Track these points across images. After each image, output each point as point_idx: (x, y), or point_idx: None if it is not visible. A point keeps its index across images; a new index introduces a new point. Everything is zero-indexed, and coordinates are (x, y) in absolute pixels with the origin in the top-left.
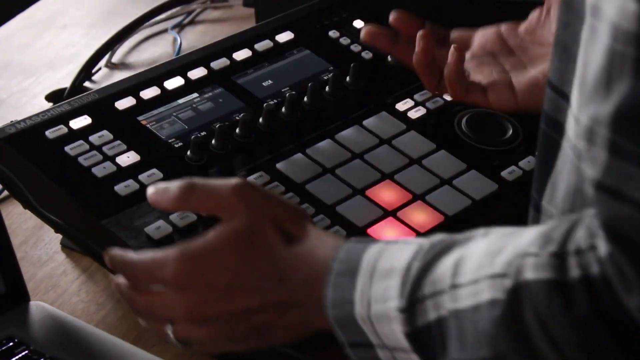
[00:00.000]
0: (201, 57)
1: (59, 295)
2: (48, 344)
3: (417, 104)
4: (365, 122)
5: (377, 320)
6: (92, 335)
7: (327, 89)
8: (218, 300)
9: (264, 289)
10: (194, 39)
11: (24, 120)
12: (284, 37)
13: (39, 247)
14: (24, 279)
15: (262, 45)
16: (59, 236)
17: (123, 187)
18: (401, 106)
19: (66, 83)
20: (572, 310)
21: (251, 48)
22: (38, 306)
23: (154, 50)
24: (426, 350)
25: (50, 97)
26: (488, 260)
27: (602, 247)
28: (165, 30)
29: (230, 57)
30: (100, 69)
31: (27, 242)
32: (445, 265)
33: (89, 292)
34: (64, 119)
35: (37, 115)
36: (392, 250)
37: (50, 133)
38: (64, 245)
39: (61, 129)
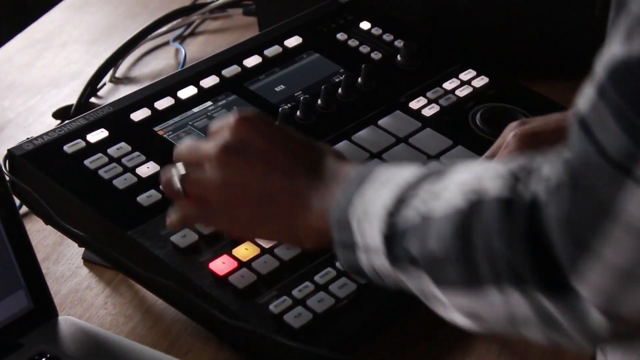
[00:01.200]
0: (212, 65)
1: (85, 309)
2: (81, 357)
3: (430, 102)
4: (380, 122)
5: (366, 219)
6: (124, 346)
7: (339, 91)
8: (254, 163)
9: (299, 155)
10: (195, 49)
11: (40, 136)
12: (293, 42)
13: (61, 262)
14: (51, 294)
15: (272, 50)
16: (81, 251)
17: (145, 198)
18: (415, 104)
19: (72, 100)
20: (513, 226)
21: (261, 54)
22: (67, 321)
23: (157, 63)
24: (392, 248)
25: (58, 114)
26: (468, 179)
27: (555, 178)
28: (166, 43)
29: (241, 64)
30: (104, 84)
31: (48, 259)
32: (431, 180)
33: (115, 305)
34: (81, 133)
35: (53, 130)
36: (401, 168)
37: (68, 148)
38: (86, 260)
39: (79, 143)
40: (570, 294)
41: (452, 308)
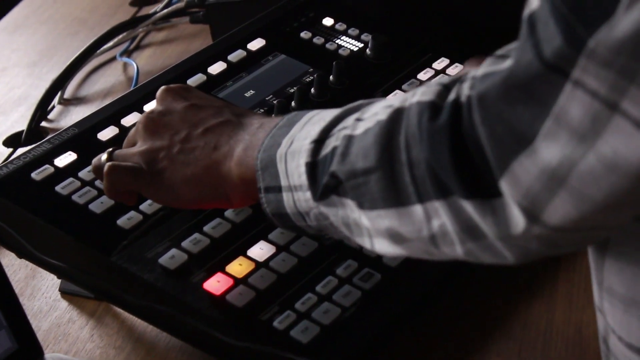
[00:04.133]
0: (175, 75)
1: (71, 344)
2: None
3: None
4: None
5: (291, 155)
6: None
7: (312, 91)
8: (177, 124)
9: (222, 114)
10: (144, 63)
11: (5, 165)
12: (256, 44)
13: (37, 297)
14: (34, 332)
15: (236, 55)
16: (57, 283)
17: (126, 220)
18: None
19: (21, 126)
20: (433, 123)
21: (225, 60)
22: (54, 358)
23: (105, 80)
24: (315, 177)
25: (8, 142)
26: (397, 98)
27: (487, 77)
28: (113, 59)
29: (205, 72)
30: (54, 106)
31: (22, 294)
32: (361, 111)
33: (102, 337)
34: (47, 158)
35: (17, 158)
36: (333, 110)
37: (36, 175)
38: (63, 292)
39: (47, 169)
40: (496, 197)
41: (377, 234)
